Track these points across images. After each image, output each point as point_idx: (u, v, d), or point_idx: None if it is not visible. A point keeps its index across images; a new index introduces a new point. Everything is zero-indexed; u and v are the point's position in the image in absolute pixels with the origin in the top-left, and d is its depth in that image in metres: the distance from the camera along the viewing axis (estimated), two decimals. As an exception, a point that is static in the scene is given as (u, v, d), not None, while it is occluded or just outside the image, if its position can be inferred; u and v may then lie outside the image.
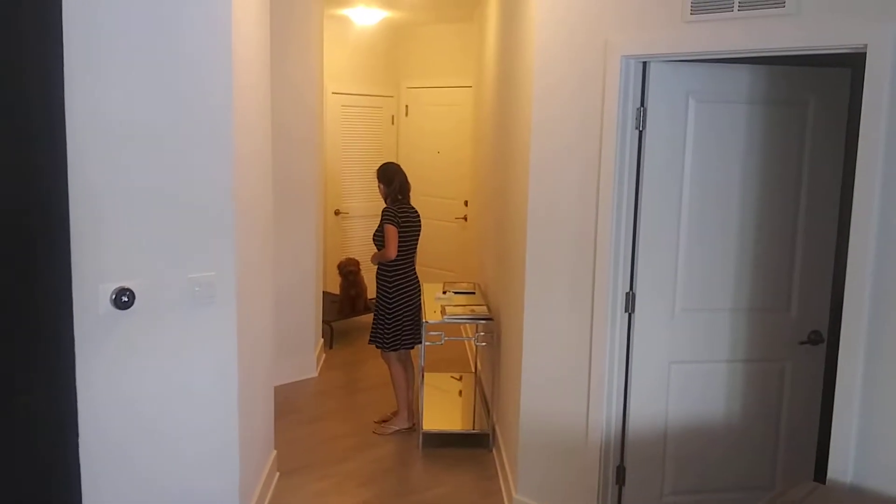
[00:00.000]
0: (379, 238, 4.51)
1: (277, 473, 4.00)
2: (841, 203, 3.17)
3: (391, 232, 4.41)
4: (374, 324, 4.63)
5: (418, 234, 4.61)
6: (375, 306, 4.63)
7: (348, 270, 6.56)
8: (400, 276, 4.53)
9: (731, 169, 3.11)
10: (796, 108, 3.11)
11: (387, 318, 4.54)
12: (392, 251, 4.41)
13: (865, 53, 2.46)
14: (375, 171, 4.67)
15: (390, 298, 4.52)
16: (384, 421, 4.75)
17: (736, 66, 3.05)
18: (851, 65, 3.06)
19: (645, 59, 2.99)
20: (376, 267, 4.60)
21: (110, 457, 2.61)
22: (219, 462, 2.92)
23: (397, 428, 4.66)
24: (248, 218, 3.18)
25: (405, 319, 4.55)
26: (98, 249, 2.48)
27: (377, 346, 4.62)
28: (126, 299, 2.51)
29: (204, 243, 2.73)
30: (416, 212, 4.61)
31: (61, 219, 2.35)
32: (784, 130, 3.11)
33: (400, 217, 4.45)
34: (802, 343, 3.23)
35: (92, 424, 2.54)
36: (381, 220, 4.47)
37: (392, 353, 4.59)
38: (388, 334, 4.55)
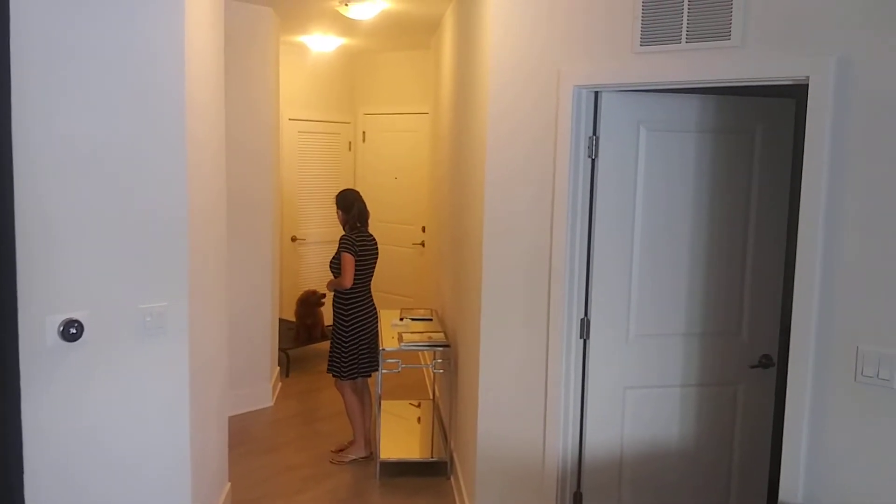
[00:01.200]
0: (336, 265, 4.49)
1: (231, 506, 3.93)
2: (788, 228, 3.25)
3: (348, 261, 4.39)
4: (330, 352, 4.59)
5: (375, 262, 4.60)
6: (332, 334, 4.60)
7: (314, 301, 6.52)
8: (356, 304, 4.50)
9: (682, 196, 3.18)
10: (744, 137, 3.19)
11: (343, 347, 4.51)
12: (348, 280, 4.40)
13: (808, 85, 2.54)
14: (334, 197, 4.65)
15: (347, 326, 4.49)
16: (341, 450, 4.70)
17: (685, 96, 3.13)
18: (795, 95, 3.17)
19: (597, 89, 3.05)
20: (332, 294, 4.58)
21: (59, 492, 2.53)
22: (171, 496, 2.84)
23: (354, 457, 4.61)
24: (202, 246, 3.14)
25: (362, 347, 4.52)
26: (45, 280, 2.42)
27: (333, 375, 4.57)
28: (74, 331, 2.45)
29: (155, 272, 2.68)
30: (374, 239, 4.60)
31: (7, 248, 2.29)
32: (732, 158, 3.19)
33: (357, 245, 4.44)
34: (754, 367, 3.29)
35: (40, 459, 2.46)
36: (339, 247, 4.45)
37: (347, 381, 4.55)
38: (344, 363, 4.51)
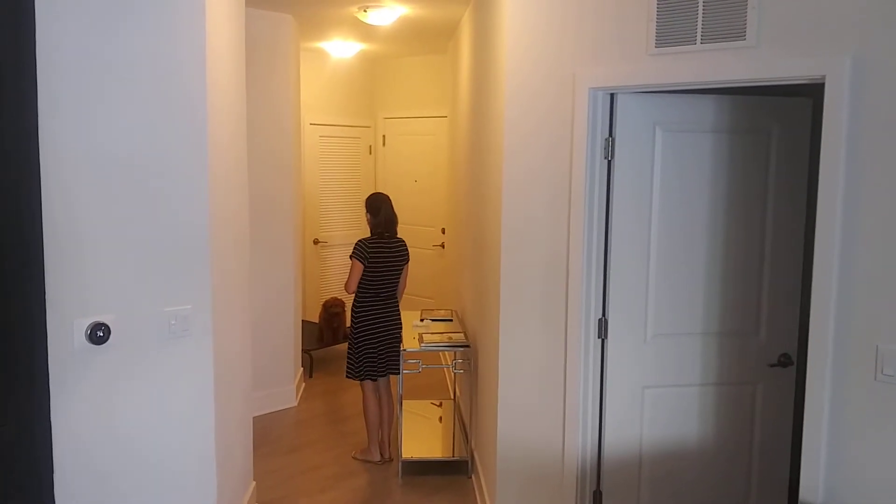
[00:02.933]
0: None
1: (256, 505, 3.99)
2: (806, 226, 3.25)
3: (353, 267, 4.42)
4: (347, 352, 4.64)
5: (398, 269, 4.55)
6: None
7: (334, 312, 6.57)
8: (367, 309, 4.50)
9: (699, 196, 3.18)
10: (760, 137, 3.19)
11: (351, 348, 4.56)
12: (350, 285, 4.43)
13: (824, 84, 2.54)
14: (364, 200, 4.69)
15: (354, 329, 4.53)
16: (360, 452, 4.75)
17: (701, 97, 3.14)
18: (812, 94, 3.16)
19: (612, 91, 3.07)
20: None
21: (88, 491, 2.59)
22: (196, 494, 2.90)
23: (367, 460, 4.65)
24: (225, 249, 3.19)
25: (369, 351, 4.52)
26: (72, 284, 2.48)
27: (349, 377, 4.62)
28: (101, 334, 2.51)
29: (179, 276, 2.74)
30: (401, 245, 4.57)
31: (35, 254, 2.36)
32: (749, 158, 3.19)
33: (369, 252, 4.42)
34: (772, 366, 3.29)
35: (69, 460, 2.53)
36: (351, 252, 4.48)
37: (363, 382, 4.59)
38: (352, 363, 4.56)
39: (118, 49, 2.53)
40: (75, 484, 2.56)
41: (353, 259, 4.42)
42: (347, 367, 4.60)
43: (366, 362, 4.53)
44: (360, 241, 4.48)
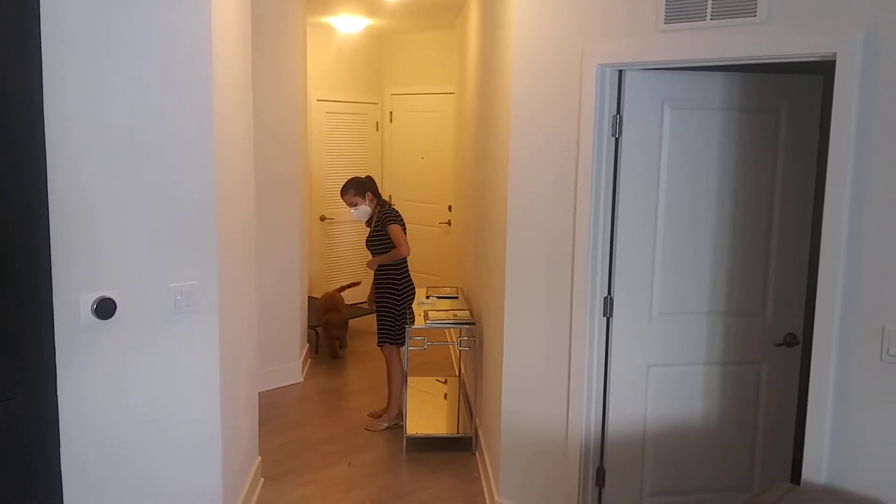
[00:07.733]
0: (375, 242, 4.55)
1: (262, 479, 4.02)
2: (814, 206, 3.23)
3: (397, 232, 4.51)
4: (381, 324, 4.67)
5: None
6: (379, 307, 4.67)
7: (336, 325, 6.24)
8: (406, 272, 4.64)
9: (706, 175, 3.16)
10: (769, 115, 3.16)
11: (395, 314, 4.60)
12: (406, 249, 4.52)
13: (835, 61, 2.51)
14: (343, 189, 4.67)
15: (399, 294, 4.60)
16: (378, 416, 4.79)
17: (710, 74, 3.10)
18: (823, 71, 3.13)
19: (620, 68, 3.04)
20: (373, 272, 4.65)
21: (95, 464, 2.62)
22: (203, 468, 2.93)
23: (387, 424, 4.71)
24: (231, 226, 3.19)
25: (408, 312, 4.64)
26: (78, 259, 2.49)
27: (391, 344, 4.65)
28: (107, 309, 2.53)
29: (185, 252, 2.74)
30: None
31: (41, 229, 2.36)
32: (758, 136, 3.16)
33: (398, 215, 4.57)
34: (778, 345, 3.29)
35: (77, 434, 2.55)
36: (383, 222, 4.52)
37: (396, 348, 4.66)
38: (397, 329, 4.62)
39: (123, 23, 2.51)
40: (83, 456, 2.58)
41: (394, 225, 4.51)
42: (389, 335, 4.63)
43: (405, 324, 4.60)
44: (386, 210, 4.58)
